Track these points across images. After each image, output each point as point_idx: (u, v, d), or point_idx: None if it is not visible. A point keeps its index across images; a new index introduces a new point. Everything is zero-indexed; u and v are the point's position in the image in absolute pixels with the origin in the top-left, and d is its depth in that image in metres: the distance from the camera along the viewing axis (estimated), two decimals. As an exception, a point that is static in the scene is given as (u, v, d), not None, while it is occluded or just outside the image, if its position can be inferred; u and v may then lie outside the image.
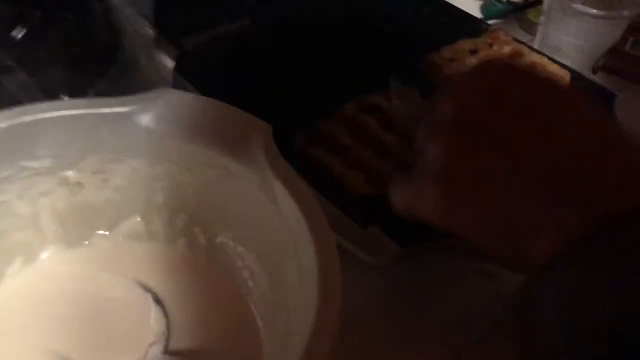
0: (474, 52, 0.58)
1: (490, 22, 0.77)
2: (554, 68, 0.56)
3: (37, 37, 0.36)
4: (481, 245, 0.32)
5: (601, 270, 0.26)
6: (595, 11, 0.57)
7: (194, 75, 0.53)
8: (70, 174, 0.40)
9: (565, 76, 0.55)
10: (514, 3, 0.80)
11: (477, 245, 0.32)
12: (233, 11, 0.59)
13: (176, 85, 0.54)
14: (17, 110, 0.37)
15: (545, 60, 0.57)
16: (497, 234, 0.31)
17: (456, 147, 0.32)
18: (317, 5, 0.63)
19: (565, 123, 0.30)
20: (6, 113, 0.36)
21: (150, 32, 0.48)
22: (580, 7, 0.58)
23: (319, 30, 0.61)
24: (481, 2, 0.82)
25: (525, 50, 0.58)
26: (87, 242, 0.42)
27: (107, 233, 0.43)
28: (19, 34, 0.35)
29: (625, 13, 0.58)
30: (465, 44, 0.58)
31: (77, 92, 0.40)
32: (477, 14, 0.80)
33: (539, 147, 0.29)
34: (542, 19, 0.64)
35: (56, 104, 0.38)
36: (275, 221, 0.37)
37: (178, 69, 0.54)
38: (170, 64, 0.54)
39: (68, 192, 0.41)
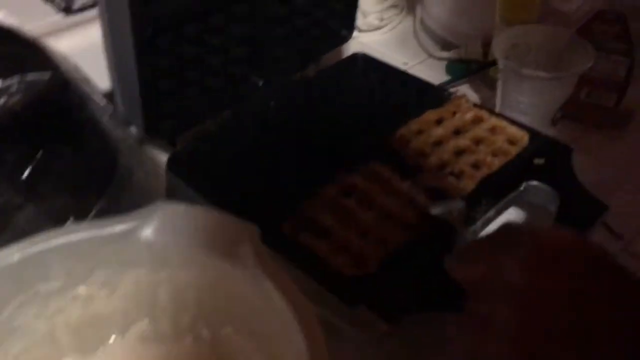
0: (439, 121, 0.63)
1: (455, 82, 0.83)
2: (513, 130, 0.61)
3: (41, 173, 0.40)
4: None
5: None
6: (544, 74, 0.63)
7: (184, 172, 0.58)
8: (80, 289, 0.44)
9: (524, 137, 0.60)
10: (475, 61, 0.85)
11: None
12: (214, 108, 0.64)
13: (169, 184, 0.58)
14: (28, 241, 0.41)
15: (505, 122, 0.62)
16: None
17: (528, 312, 0.35)
18: (289, 94, 0.69)
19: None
20: (18, 246, 0.40)
21: (140, 143, 0.52)
22: (530, 72, 0.63)
23: (293, 117, 0.66)
24: (445, 62, 0.88)
25: (486, 115, 0.63)
26: (100, 349, 0.46)
27: (119, 338, 0.46)
28: (24, 172, 0.40)
29: (572, 72, 0.63)
30: (431, 115, 0.63)
31: (80, 214, 0.44)
32: (442, 74, 0.86)
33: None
34: (498, 81, 0.69)
35: (62, 230, 0.42)
36: (268, 313, 0.41)
37: (169, 168, 0.58)
38: (163, 164, 0.58)
39: (80, 305, 0.44)
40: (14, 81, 0.40)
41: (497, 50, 0.66)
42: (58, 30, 0.64)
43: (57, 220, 0.42)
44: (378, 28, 0.97)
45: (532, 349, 0.34)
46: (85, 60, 0.55)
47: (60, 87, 0.42)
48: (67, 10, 0.66)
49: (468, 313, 0.38)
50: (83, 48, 0.64)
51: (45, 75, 0.41)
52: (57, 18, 0.66)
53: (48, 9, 0.67)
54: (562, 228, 0.40)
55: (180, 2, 0.54)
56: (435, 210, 0.51)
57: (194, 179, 0.58)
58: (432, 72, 0.86)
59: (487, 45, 0.83)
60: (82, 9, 0.67)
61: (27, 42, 0.45)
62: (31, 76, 0.40)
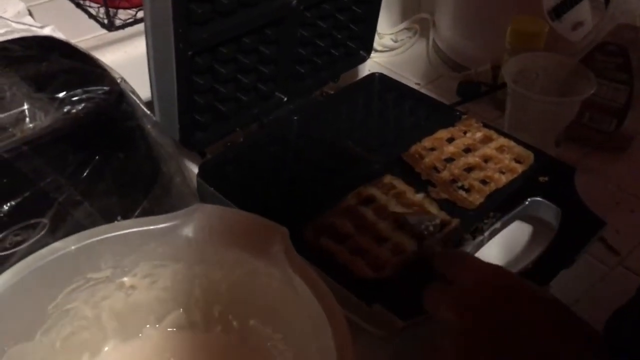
0: (450, 140, 0.68)
1: (466, 102, 0.88)
2: (519, 150, 0.66)
3: (96, 174, 0.45)
4: None
5: None
6: (550, 98, 0.67)
7: (214, 180, 0.63)
8: (125, 279, 0.48)
9: (530, 156, 0.65)
10: (484, 83, 0.90)
11: None
12: (243, 121, 0.69)
13: (200, 191, 0.63)
14: (83, 234, 0.46)
15: (512, 142, 0.67)
16: None
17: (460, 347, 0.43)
18: (310, 109, 0.74)
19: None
20: (75, 237, 0.45)
21: (178, 151, 0.57)
22: (538, 96, 0.68)
23: (314, 131, 0.70)
24: (455, 84, 0.93)
25: (494, 135, 0.68)
26: (140, 335, 0.51)
27: (156, 325, 0.51)
28: (84, 173, 0.45)
29: (576, 98, 0.68)
30: (443, 133, 0.68)
31: (127, 212, 0.49)
32: (453, 95, 0.91)
33: None
34: (507, 103, 0.74)
35: (113, 225, 0.47)
36: (296, 307, 0.45)
37: (200, 175, 0.63)
38: (196, 171, 0.63)
39: (124, 294, 0.49)
40: (77, 92, 0.45)
41: (507, 75, 0.71)
42: (101, 45, 0.70)
43: (107, 217, 0.47)
44: (392, 49, 1.02)
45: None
46: (124, 73, 0.60)
47: (117, 98, 0.47)
48: (110, 26, 0.72)
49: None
50: (122, 62, 0.69)
51: (103, 89, 0.46)
52: (100, 34, 0.72)
53: (92, 24, 0.73)
54: (483, 265, 0.47)
55: (219, 25, 0.59)
56: (413, 220, 0.56)
57: (222, 187, 0.62)
58: (442, 93, 0.91)
59: (495, 68, 0.88)
60: (123, 26, 0.72)
61: (86, 57, 0.51)
62: (92, 88, 0.46)
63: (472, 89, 0.90)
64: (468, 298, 0.44)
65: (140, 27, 0.58)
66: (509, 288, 0.44)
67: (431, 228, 0.56)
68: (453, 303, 0.44)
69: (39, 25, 0.69)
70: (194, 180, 0.63)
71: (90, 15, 0.73)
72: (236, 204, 0.60)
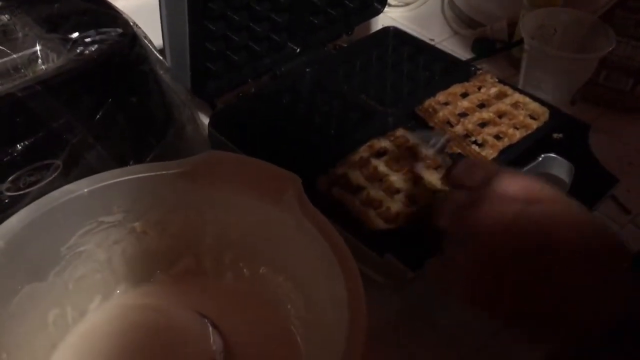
0: (464, 95, 0.67)
1: (481, 59, 0.86)
2: (534, 106, 0.65)
3: (110, 117, 0.45)
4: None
5: None
6: (568, 54, 0.66)
7: (225, 129, 0.62)
8: (137, 224, 0.49)
9: (545, 112, 0.64)
10: (500, 40, 0.89)
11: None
12: (255, 71, 0.68)
13: (212, 139, 0.63)
14: (96, 177, 0.45)
15: (527, 99, 0.66)
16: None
17: (478, 259, 0.41)
18: (323, 61, 0.73)
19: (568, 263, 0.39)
20: (88, 180, 0.45)
21: (190, 98, 0.57)
22: (555, 52, 0.66)
23: (327, 84, 0.70)
24: (470, 40, 0.91)
25: (509, 91, 0.67)
26: (151, 280, 0.51)
27: (167, 271, 0.51)
28: (97, 116, 0.44)
29: (593, 55, 0.67)
30: (457, 88, 0.67)
31: (140, 157, 0.49)
32: (467, 51, 0.89)
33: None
34: (523, 60, 0.73)
35: (125, 169, 0.47)
36: (307, 254, 0.45)
37: (212, 124, 0.63)
38: (206, 121, 0.63)
39: (135, 239, 0.49)
40: (90, 33, 0.44)
41: (524, 30, 0.70)
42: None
43: (120, 161, 0.47)
44: (406, 4, 1.00)
45: (477, 292, 0.42)
46: (135, 20, 0.59)
47: (130, 41, 0.46)
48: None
49: (441, 254, 0.45)
50: (134, 8, 0.68)
51: (117, 31, 0.45)
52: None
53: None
54: (515, 174, 0.44)
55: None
56: (413, 137, 0.55)
57: (233, 137, 0.62)
58: (457, 50, 0.90)
59: (512, 25, 0.87)
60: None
61: (99, 0, 0.50)
62: (105, 30, 0.45)
63: (487, 46, 0.89)
64: (502, 204, 0.41)
65: (152, -29, 0.57)
66: (546, 200, 0.42)
67: (433, 141, 0.54)
68: (483, 210, 0.41)
69: (48, -32, 0.68)
70: (206, 131, 0.62)
71: (101, -40, 0.72)
72: (247, 154, 0.60)
